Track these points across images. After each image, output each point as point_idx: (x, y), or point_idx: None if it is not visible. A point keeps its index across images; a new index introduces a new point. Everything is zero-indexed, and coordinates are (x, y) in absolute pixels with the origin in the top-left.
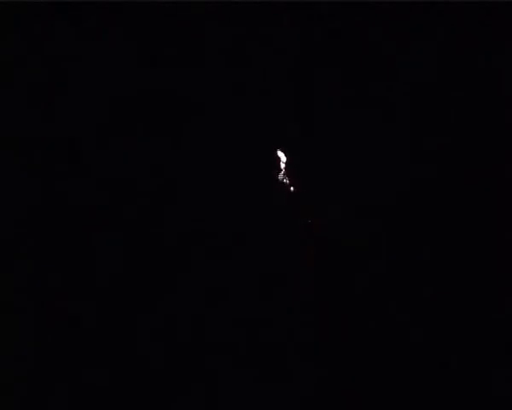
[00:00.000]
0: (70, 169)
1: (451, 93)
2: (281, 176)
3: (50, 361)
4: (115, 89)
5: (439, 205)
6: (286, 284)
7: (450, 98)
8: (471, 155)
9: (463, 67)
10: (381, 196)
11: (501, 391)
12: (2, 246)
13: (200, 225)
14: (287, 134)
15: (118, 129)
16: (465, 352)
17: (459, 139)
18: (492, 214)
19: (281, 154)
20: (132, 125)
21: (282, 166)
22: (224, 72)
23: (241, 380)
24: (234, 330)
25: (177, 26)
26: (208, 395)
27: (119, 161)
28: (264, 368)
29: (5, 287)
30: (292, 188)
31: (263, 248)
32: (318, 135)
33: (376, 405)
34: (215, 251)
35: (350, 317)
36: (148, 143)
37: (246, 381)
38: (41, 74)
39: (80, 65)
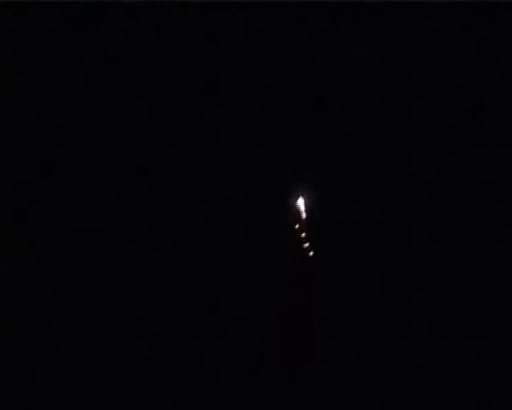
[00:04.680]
0: (71, 169)
1: (451, 94)
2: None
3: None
4: (116, 88)
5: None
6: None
7: (450, 99)
8: (470, 156)
9: (463, 68)
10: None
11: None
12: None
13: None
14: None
15: (118, 128)
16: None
17: (458, 140)
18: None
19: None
20: (132, 126)
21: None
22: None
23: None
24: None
25: (178, 26)
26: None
27: (123, 162)
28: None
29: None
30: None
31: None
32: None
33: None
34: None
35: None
36: (150, 144)
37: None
38: (41, 74)
39: (80, 65)
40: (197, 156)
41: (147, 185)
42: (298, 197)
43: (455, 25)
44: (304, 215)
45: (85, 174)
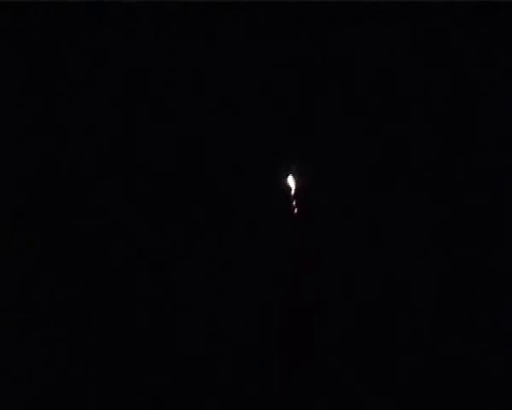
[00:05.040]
0: (71, 169)
1: (451, 94)
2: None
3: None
4: (116, 88)
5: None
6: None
7: (450, 99)
8: (470, 156)
9: (463, 68)
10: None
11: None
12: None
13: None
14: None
15: (118, 128)
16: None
17: (458, 140)
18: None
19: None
20: (132, 126)
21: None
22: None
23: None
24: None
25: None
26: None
27: (123, 162)
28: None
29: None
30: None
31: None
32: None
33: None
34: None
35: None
36: (150, 144)
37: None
38: (41, 74)
39: (81, 64)
40: (197, 156)
41: (147, 185)
42: (287, 176)
43: (455, 25)
44: (293, 192)
45: (85, 174)
